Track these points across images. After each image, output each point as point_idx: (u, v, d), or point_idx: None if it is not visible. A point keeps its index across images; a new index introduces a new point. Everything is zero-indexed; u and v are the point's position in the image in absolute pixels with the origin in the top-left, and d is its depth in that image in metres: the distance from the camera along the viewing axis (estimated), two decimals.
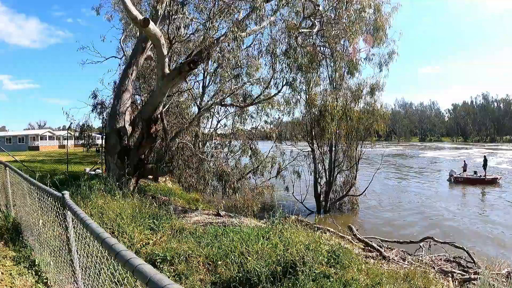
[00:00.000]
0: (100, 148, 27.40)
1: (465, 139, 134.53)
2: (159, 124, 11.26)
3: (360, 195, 21.81)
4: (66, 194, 3.25)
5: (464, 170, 31.76)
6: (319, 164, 21.50)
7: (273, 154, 20.64)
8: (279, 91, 13.40)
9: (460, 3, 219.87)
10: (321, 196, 21.51)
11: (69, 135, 21.44)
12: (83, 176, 12.55)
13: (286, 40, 11.94)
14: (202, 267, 5.22)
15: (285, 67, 12.17)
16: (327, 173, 21.60)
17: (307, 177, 21.34)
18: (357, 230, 10.78)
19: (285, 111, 19.03)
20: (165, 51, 9.24)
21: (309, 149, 22.09)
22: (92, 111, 16.71)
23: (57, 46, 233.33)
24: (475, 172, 31.06)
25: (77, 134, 17.44)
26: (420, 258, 9.80)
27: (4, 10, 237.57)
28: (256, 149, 16.49)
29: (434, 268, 9.13)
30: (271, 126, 21.48)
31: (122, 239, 5.66)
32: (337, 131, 19.67)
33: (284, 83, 12.73)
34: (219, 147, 19.49)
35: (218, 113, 20.60)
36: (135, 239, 5.79)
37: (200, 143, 18.03)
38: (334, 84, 19.44)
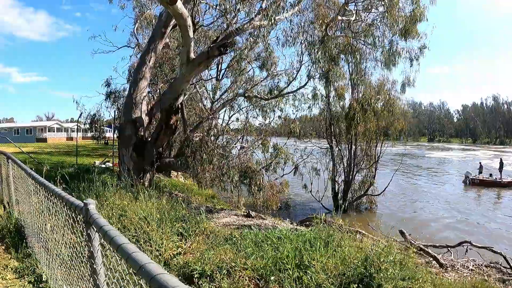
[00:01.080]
0: (109, 141, 26.63)
1: (474, 141, 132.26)
2: (178, 115, 10.28)
3: (379, 194, 21.37)
4: (91, 204, 2.16)
5: (480, 172, 31.01)
6: (338, 163, 20.68)
7: (286, 150, 19.77)
8: (306, 83, 12.40)
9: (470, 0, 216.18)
10: (339, 194, 20.94)
11: (77, 127, 20.59)
12: (94, 169, 11.67)
13: (324, 28, 10.85)
14: (250, 283, 4.22)
15: (320, 56, 11.00)
16: (346, 171, 20.99)
17: (322, 175, 20.55)
18: (409, 234, 9.84)
19: (301, 107, 18.06)
20: (191, 34, 8.25)
21: (323, 146, 21.46)
22: (105, 99, 15.92)
23: (66, 40, 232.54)
24: (491, 175, 30.36)
25: (87, 126, 16.59)
26: (466, 265, 9.00)
27: (13, 3, 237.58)
28: (277, 144, 15.61)
29: (484, 276, 8.28)
30: (281, 121, 20.66)
31: (149, 248, 4.67)
32: (358, 129, 18.75)
33: (319, 74, 11.66)
34: (231, 142, 18.65)
35: (232, 107, 19.79)
36: (163, 248, 4.79)
37: (212, 137, 17.19)
38: (355, 79, 18.41)
